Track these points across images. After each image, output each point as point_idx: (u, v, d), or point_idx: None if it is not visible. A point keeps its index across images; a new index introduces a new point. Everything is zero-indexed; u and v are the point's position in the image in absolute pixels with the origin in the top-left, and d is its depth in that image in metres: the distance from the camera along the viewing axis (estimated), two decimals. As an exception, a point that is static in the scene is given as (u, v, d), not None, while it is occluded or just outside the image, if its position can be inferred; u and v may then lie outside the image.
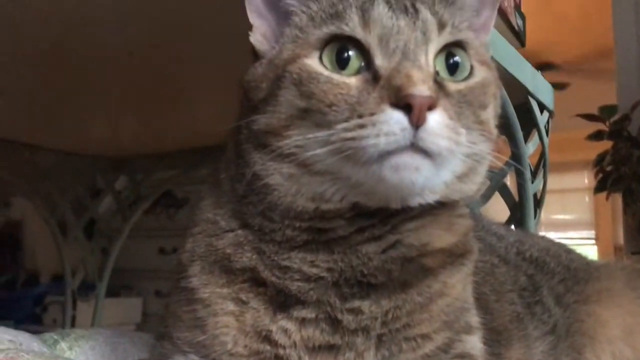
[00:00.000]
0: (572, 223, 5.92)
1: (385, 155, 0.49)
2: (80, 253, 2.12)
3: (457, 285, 0.60)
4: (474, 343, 0.61)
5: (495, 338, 0.69)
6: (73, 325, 2.12)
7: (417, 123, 0.48)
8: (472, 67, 0.56)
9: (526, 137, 1.15)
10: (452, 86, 0.53)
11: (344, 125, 0.49)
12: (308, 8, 0.56)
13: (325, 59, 0.53)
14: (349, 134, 0.49)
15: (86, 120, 1.67)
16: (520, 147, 1.10)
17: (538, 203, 1.21)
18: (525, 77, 1.10)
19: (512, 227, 1.21)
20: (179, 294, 0.59)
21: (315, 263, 0.54)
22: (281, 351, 0.54)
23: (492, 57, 0.97)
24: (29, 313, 2.43)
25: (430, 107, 0.48)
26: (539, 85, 1.16)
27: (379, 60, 0.52)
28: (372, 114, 0.49)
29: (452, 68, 0.55)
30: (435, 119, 0.49)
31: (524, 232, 1.10)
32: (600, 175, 2.63)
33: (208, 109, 1.49)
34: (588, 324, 0.83)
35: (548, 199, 1.33)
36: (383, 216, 0.55)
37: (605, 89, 2.92)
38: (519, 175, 1.13)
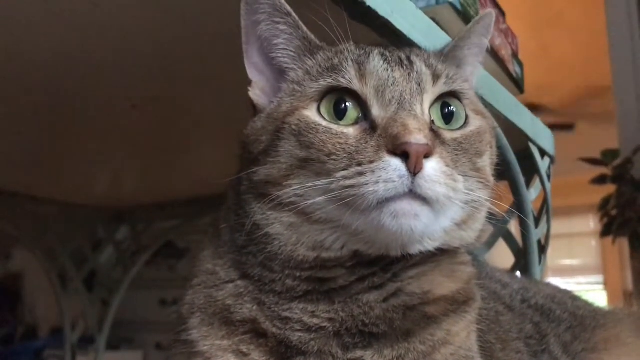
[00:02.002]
0: (580, 268, 5.85)
1: (384, 202, 0.50)
2: (80, 305, 2.09)
3: (461, 334, 0.59)
4: None
5: None
6: (72, 380, 2.07)
7: (414, 170, 0.49)
8: (467, 116, 0.57)
9: (528, 183, 1.15)
10: (448, 135, 0.55)
11: (344, 173, 0.50)
12: (303, 64, 0.57)
13: (323, 110, 0.54)
14: (349, 182, 0.50)
15: (88, 172, 1.67)
16: (522, 193, 1.09)
17: (542, 249, 1.20)
18: (525, 124, 1.10)
19: (518, 273, 1.20)
20: (179, 348, 0.58)
21: (316, 314, 0.54)
22: None
23: (491, 105, 0.98)
24: (27, 368, 2.38)
25: (427, 155, 0.49)
26: (539, 131, 1.17)
27: (376, 111, 0.53)
28: (370, 162, 0.50)
29: (448, 117, 0.56)
30: (432, 166, 0.50)
31: (528, 279, 1.08)
32: (606, 219, 2.61)
33: (209, 159, 1.50)
34: (596, 374, 0.81)
35: (554, 244, 1.32)
36: (384, 264, 0.55)
37: (609, 133, 2.93)
38: (523, 221, 1.12)
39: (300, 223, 0.53)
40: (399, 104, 0.52)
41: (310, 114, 0.54)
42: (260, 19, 0.57)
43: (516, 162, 1.06)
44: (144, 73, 1.01)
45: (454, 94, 0.57)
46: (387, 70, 0.54)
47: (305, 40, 0.58)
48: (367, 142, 0.51)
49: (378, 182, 0.49)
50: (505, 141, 1.01)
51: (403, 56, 0.56)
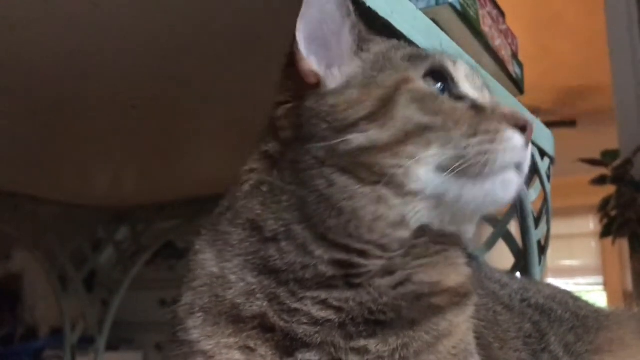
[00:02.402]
0: (580, 269, 5.85)
1: (499, 170, 0.53)
2: (80, 306, 2.09)
3: (462, 326, 0.59)
4: None
5: None
6: (72, 380, 2.07)
7: (526, 143, 0.56)
8: None
9: (528, 184, 1.15)
10: None
11: (477, 139, 0.53)
12: (398, 53, 0.60)
13: (431, 87, 0.57)
14: (484, 147, 0.52)
15: (87, 172, 1.68)
16: (522, 194, 1.09)
17: (542, 249, 1.20)
18: (525, 124, 1.10)
19: (518, 274, 1.20)
20: (176, 349, 0.58)
21: (328, 301, 0.54)
22: None
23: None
24: (27, 368, 2.38)
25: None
26: (538, 132, 1.17)
27: (470, 93, 0.58)
28: (497, 132, 0.54)
29: None
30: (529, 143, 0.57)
31: (528, 279, 1.09)
32: (605, 220, 2.61)
33: (209, 159, 1.50)
34: (600, 375, 0.81)
35: (554, 244, 1.32)
36: (402, 251, 0.56)
37: (609, 133, 2.94)
38: (522, 222, 1.12)
39: (391, 196, 0.52)
40: (486, 91, 0.60)
41: (426, 86, 0.56)
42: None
43: (516, 162, 1.06)
44: (144, 73, 1.01)
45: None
46: (466, 66, 0.61)
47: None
48: (483, 117, 0.55)
49: (505, 150, 0.53)
50: (505, 142, 1.01)
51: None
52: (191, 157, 1.53)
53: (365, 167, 0.52)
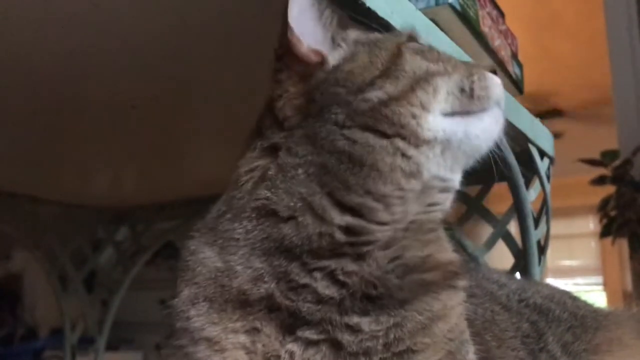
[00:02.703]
0: (579, 269, 5.85)
1: (493, 105, 0.61)
2: (80, 306, 2.09)
3: (456, 309, 0.60)
4: None
5: None
6: (72, 380, 2.07)
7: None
8: None
9: (527, 184, 1.15)
10: None
11: (475, 77, 0.60)
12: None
13: None
14: (482, 83, 0.60)
15: (87, 173, 1.68)
16: (522, 194, 1.10)
17: (542, 250, 1.20)
18: (525, 125, 1.10)
19: (517, 274, 1.20)
20: (175, 340, 0.58)
21: (335, 273, 0.55)
22: None
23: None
24: (27, 368, 2.38)
25: None
26: (538, 132, 1.17)
27: None
28: (485, 73, 0.62)
29: None
30: None
31: (527, 280, 1.09)
32: (605, 220, 2.62)
33: (209, 159, 1.50)
34: (599, 374, 0.81)
35: (554, 245, 1.32)
36: (403, 224, 0.58)
37: (608, 133, 2.94)
38: (522, 222, 1.12)
39: (407, 147, 0.56)
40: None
41: (419, 44, 0.64)
42: None
43: (516, 163, 1.06)
44: (144, 73, 1.01)
45: None
46: None
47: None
48: (469, 64, 0.63)
49: (495, 86, 0.61)
50: (504, 142, 1.01)
51: None
52: (191, 157, 1.53)
53: (384, 120, 0.57)
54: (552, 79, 3.92)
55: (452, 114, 0.59)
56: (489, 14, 1.11)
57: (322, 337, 0.54)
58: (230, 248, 0.58)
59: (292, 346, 0.54)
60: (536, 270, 1.15)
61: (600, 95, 3.75)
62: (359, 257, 0.56)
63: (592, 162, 2.77)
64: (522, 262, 1.17)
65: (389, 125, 0.56)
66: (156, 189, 1.83)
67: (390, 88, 0.57)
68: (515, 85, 1.23)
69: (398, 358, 0.55)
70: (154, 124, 1.27)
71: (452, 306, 0.59)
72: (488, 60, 1.10)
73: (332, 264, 0.55)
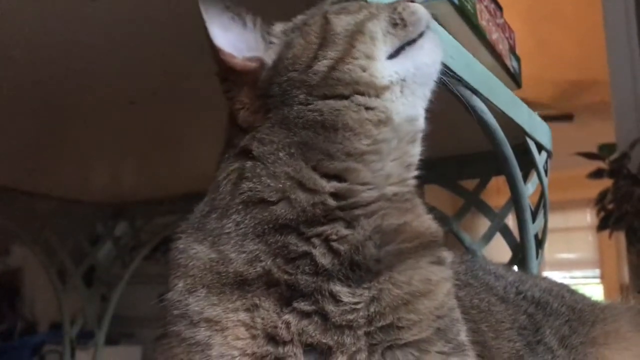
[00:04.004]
0: (577, 262, 5.88)
1: (426, 29, 0.65)
2: (79, 301, 2.09)
3: (442, 286, 0.60)
4: None
5: None
6: (71, 375, 2.08)
7: None
8: None
9: (525, 178, 1.15)
10: None
11: (401, 7, 0.64)
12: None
13: None
14: (409, 9, 0.64)
15: (86, 168, 1.68)
16: (520, 188, 1.10)
17: (540, 243, 1.20)
18: (522, 118, 1.11)
19: (515, 268, 1.20)
20: (171, 326, 0.58)
21: (331, 238, 0.57)
22: (280, 350, 0.55)
23: (488, 99, 0.98)
24: (26, 363, 2.39)
25: None
26: (536, 126, 1.17)
27: None
28: (405, 2, 0.65)
29: None
30: None
31: (525, 273, 1.09)
32: (603, 213, 2.62)
33: (207, 154, 1.49)
34: (597, 367, 0.82)
35: (551, 238, 1.33)
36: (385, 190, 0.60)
37: (605, 127, 2.94)
38: (520, 216, 1.13)
39: (367, 99, 0.59)
40: None
41: (339, 5, 0.66)
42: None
43: (513, 156, 1.06)
44: (142, 69, 1.01)
45: None
46: None
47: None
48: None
49: (421, 9, 0.65)
50: (502, 135, 1.01)
51: None
52: (190, 152, 1.53)
53: (338, 84, 0.59)
54: (549, 73, 3.92)
55: (396, 52, 0.62)
56: (486, 7, 1.11)
57: (313, 307, 0.55)
58: (222, 241, 0.59)
59: (288, 317, 0.55)
60: (534, 263, 1.15)
61: (598, 88, 3.75)
62: (351, 223, 0.58)
63: (589, 156, 2.78)
64: (520, 255, 1.18)
65: (344, 86, 0.59)
66: (155, 184, 1.83)
67: (332, 53, 0.60)
68: (513, 79, 1.24)
69: (383, 333, 0.56)
70: (153, 120, 1.27)
71: (437, 282, 0.60)
72: (485, 54, 1.10)
73: (327, 229, 0.57)
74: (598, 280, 5.71)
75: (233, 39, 0.63)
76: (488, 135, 1.00)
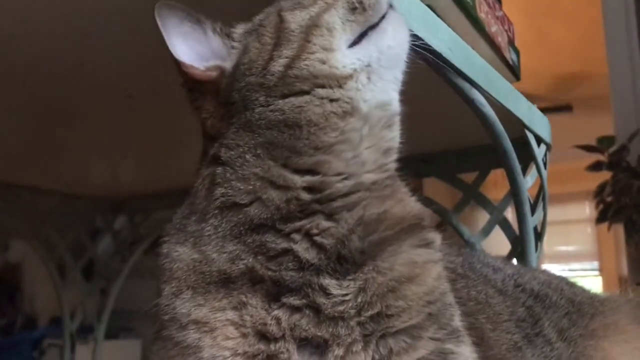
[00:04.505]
0: (576, 254, 5.89)
1: (386, 10, 0.62)
2: (79, 295, 2.10)
3: (430, 269, 0.60)
4: (466, 355, 0.60)
5: None
6: (71, 369, 2.09)
7: None
8: None
9: (524, 171, 1.15)
10: None
11: None
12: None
13: None
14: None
15: (85, 162, 1.67)
16: (519, 181, 1.10)
17: (539, 236, 1.20)
18: (522, 111, 1.11)
19: (514, 261, 1.20)
20: (164, 331, 0.58)
21: (312, 233, 0.56)
22: (272, 347, 0.54)
23: (487, 92, 0.98)
24: (27, 357, 2.39)
25: None
26: (535, 119, 1.17)
27: None
28: None
29: None
30: None
31: (524, 266, 1.09)
32: (601, 206, 2.62)
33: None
34: (595, 359, 0.82)
35: (550, 230, 1.33)
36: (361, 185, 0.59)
37: (604, 120, 2.94)
38: (519, 209, 1.13)
39: (329, 92, 0.58)
40: None
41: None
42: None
43: (512, 149, 1.06)
44: (139, 61, 1.01)
45: None
46: None
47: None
48: None
49: None
50: (501, 128, 1.01)
51: None
52: (188, 146, 1.52)
53: (296, 81, 0.58)
54: (548, 65, 3.92)
55: (359, 39, 0.61)
56: (485, 0, 1.11)
57: (304, 301, 0.55)
58: (203, 242, 0.59)
59: (278, 312, 0.55)
60: (533, 256, 1.15)
61: (596, 81, 3.75)
62: (332, 216, 0.57)
63: (588, 148, 2.77)
64: (519, 248, 1.18)
65: (303, 82, 0.58)
66: (154, 178, 1.83)
67: (287, 52, 0.59)
68: (512, 71, 1.23)
69: (374, 323, 0.56)
70: (151, 113, 1.27)
71: (423, 264, 0.59)
72: (484, 46, 1.10)
73: (305, 223, 0.57)
74: (597, 273, 5.72)
75: (195, 49, 0.63)
76: (487, 128, 1.00)
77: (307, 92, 0.58)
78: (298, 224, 0.57)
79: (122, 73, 1.05)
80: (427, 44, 0.80)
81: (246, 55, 0.62)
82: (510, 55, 1.22)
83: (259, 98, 0.59)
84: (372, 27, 0.62)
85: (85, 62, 1.00)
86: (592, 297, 0.93)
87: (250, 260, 0.57)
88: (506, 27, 1.23)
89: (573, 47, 3.84)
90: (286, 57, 0.59)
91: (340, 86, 0.58)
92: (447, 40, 0.86)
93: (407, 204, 0.62)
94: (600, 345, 0.83)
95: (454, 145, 1.42)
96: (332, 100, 0.58)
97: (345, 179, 0.58)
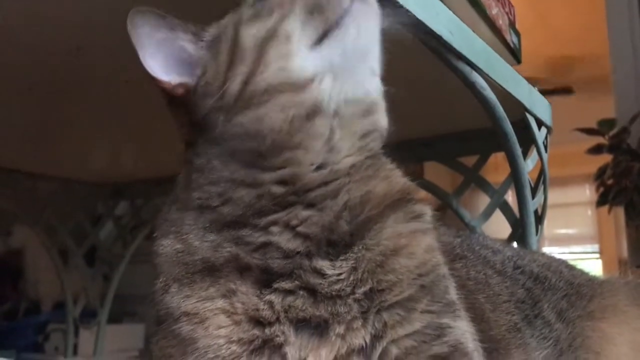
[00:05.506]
0: (576, 237, 5.90)
1: (348, 8, 0.59)
2: (82, 280, 2.11)
3: (418, 239, 0.60)
4: (463, 329, 0.60)
5: (493, 347, 0.68)
6: (75, 353, 2.11)
7: None
8: None
9: (525, 154, 1.15)
10: None
11: None
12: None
13: None
14: None
15: (85, 148, 1.67)
16: (519, 164, 1.10)
17: (539, 219, 1.21)
18: (522, 94, 1.10)
19: (515, 244, 1.21)
20: (160, 325, 0.59)
21: (291, 224, 0.57)
22: (267, 331, 0.55)
23: (487, 74, 0.98)
24: (30, 342, 2.41)
25: None
26: (535, 102, 1.17)
27: None
28: None
29: None
30: None
31: (523, 248, 1.10)
32: (602, 188, 2.62)
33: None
34: (593, 340, 0.83)
35: (550, 213, 1.33)
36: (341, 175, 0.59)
37: (605, 102, 2.93)
38: (519, 192, 1.13)
39: (291, 97, 0.57)
40: None
41: (250, 10, 0.62)
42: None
43: (513, 132, 1.06)
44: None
45: None
46: None
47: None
48: None
49: None
50: (502, 111, 1.01)
51: None
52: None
53: (254, 95, 0.58)
54: (549, 48, 3.90)
55: (319, 41, 0.59)
56: (486, -18, 1.10)
57: (296, 283, 0.56)
58: (184, 230, 0.60)
59: (271, 297, 0.55)
60: (533, 239, 1.16)
61: (597, 63, 3.73)
62: (311, 205, 0.58)
63: (589, 131, 2.77)
64: (519, 231, 1.19)
65: (261, 94, 0.57)
66: (154, 163, 1.83)
67: (242, 69, 0.58)
68: (513, 54, 1.23)
69: (368, 299, 0.56)
70: (149, 98, 1.26)
71: (410, 235, 0.59)
72: (485, 29, 1.10)
73: (282, 215, 0.57)
74: (597, 256, 5.74)
75: (167, 61, 0.63)
76: (488, 112, 1.00)
77: (267, 102, 0.57)
78: (274, 216, 0.57)
79: (118, 59, 1.05)
80: (427, 27, 0.80)
81: (204, 76, 0.62)
82: (511, 38, 1.22)
83: (219, 117, 0.59)
84: (333, 25, 0.59)
85: (82, 50, 1.00)
86: (591, 279, 0.93)
87: (233, 248, 0.57)
88: (507, 10, 1.22)
89: (574, 28, 3.81)
90: (242, 74, 0.58)
91: (302, 90, 0.57)
92: (447, 23, 0.86)
93: (391, 181, 0.62)
94: (598, 326, 0.84)
95: (454, 128, 1.42)
96: (294, 106, 0.57)
97: (319, 168, 0.58)
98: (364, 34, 0.60)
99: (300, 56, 0.58)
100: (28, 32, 0.94)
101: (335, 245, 0.57)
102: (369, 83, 0.62)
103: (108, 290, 2.09)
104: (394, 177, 0.63)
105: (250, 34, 0.60)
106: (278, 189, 0.58)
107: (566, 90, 4.37)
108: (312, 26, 0.59)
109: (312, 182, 0.58)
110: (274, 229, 0.57)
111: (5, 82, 1.13)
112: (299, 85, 0.57)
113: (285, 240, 0.57)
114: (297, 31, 0.59)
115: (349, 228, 0.58)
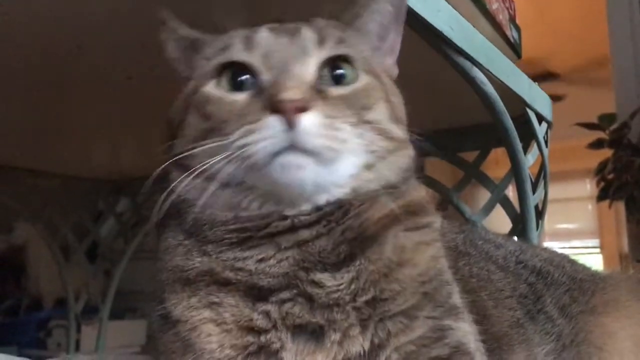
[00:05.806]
0: (576, 232, 5.91)
1: (273, 157, 0.54)
2: (83, 276, 2.11)
3: (422, 250, 0.60)
4: (465, 330, 0.60)
5: (495, 343, 0.69)
6: (77, 349, 2.11)
7: (289, 125, 0.53)
8: (357, 76, 0.61)
9: (525, 149, 1.15)
10: (334, 91, 0.59)
11: (236, 133, 0.55)
12: (204, 55, 0.65)
13: (223, 84, 0.60)
14: (241, 141, 0.54)
15: (87, 144, 1.68)
16: (520, 159, 1.10)
17: (540, 214, 1.21)
18: (522, 89, 1.10)
19: (515, 239, 1.21)
20: (161, 325, 0.60)
21: (265, 259, 0.56)
22: (263, 338, 0.55)
23: (488, 70, 0.98)
24: (32, 338, 2.41)
25: (303, 110, 0.53)
26: (536, 97, 1.17)
27: (264, 76, 0.58)
28: (257, 121, 0.54)
29: (338, 78, 0.60)
30: (309, 119, 0.54)
31: (526, 243, 1.10)
32: (602, 183, 2.62)
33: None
34: (595, 335, 0.83)
35: (551, 208, 1.33)
36: (328, 212, 0.58)
37: (606, 97, 2.93)
38: (520, 187, 1.13)
39: (214, 188, 0.57)
40: (282, 66, 0.57)
41: (208, 88, 0.60)
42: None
43: (513, 127, 1.06)
44: (138, 43, 1.00)
45: (343, 58, 0.61)
46: (273, 38, 0.60)
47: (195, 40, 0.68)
48: (254, 105, 0.56)
49: (265, 139, 0.53)
50: (502, 106, 1.01)
51: (292, 26, 0.62)
52: (189, 127, 1.52)
53: (186, 167, 0.58)
54: (549, 42, 3.89)
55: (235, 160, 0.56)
56: (486, -23, 1.10)
57: (294, 292, 0.56)
58: (171, 225, 0.62)
59: (267, 307, 0.56)
60: (534, 234, 1.16)
61: (598, 58, 3.72)
62: (277, 244, 0.57)
63: (589, 126, 2.77)
64: (520, 226, 1.19)
65: (190, 172, 0.57)
66: (155, 160, 1.83)
67: (179, 142, 0.61)
68: (513, 49, 1.23)
69: (370, 307, 0.56)
70: (151, 95, 1.26)
71: (414, 248, 0.59)
72: (485, 24, 1.09)
73: (255, 252, 0.57)
74: (598, 250, 5.75)
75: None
76: (488, 107, 1.00)
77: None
78: (246, 253, 0.57)
79: (120, 55, 1.05)
80: (427, 22, 0.80)
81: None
82: (511, 33, 1.22)
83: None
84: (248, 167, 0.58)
85: (85, 47, 1.00)
86: (593, 274, 0.94)
87: (205, 260, 0.58)
88: (507, 5, 1.22)
89: (574, 24, 3.80)
90: (180, 146, 0.61)
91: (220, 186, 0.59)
92: (447, 19, 0.86)
93: (383, 206, 0.60)
94: (600, 321, 0.84)
95: (454, 123, 1.42)
96: (214, 193, 0.58)
97: (266, 217, 0.58)
98: (279, 187, 0.57)
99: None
100: (28, 32, 0.94)
101: (333, 264, 0.57)
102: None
103: (109, 286, 2.10)
104: (403, 198, 0.61)
105: (191, 121, 0.62)
106: (231, 235, 0.58)
107: (552, 75, 4.36)
108: (220, 153, 0.58)
109: (251, 226, 0.58)
110: (250, 262, 0.57)
111: (7, 80, 1.13)
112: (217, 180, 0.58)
113: (270, 268, 0.56)
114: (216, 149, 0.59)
115: (348, 249, 0.57)
